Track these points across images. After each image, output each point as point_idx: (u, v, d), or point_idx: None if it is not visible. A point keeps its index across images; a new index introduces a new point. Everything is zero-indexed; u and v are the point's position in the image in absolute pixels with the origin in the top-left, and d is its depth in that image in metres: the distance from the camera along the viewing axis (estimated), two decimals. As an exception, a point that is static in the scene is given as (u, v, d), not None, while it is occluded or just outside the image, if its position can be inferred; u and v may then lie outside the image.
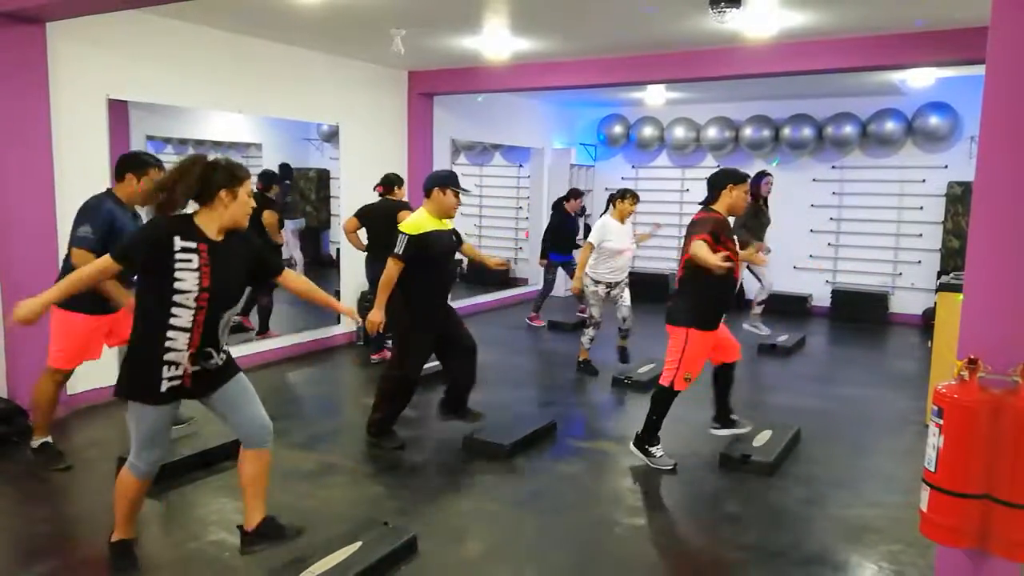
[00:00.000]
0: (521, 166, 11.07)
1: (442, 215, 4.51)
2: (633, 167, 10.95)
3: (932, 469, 2.29)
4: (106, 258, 2.79)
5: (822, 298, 9.56)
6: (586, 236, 10.89)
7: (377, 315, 4.35)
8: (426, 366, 6.22)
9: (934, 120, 8.62)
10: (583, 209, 10.74)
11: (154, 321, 2.77)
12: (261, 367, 6.21)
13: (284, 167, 8.59)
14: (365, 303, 7.48)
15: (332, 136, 7.54)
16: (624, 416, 5.57)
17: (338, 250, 7.57)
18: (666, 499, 4.14)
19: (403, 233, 4.38)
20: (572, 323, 8.47)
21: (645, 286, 10.45)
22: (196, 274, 2.75)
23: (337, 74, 7.18)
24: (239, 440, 3.13)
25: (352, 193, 7.40)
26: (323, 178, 8.68)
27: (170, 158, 7.80)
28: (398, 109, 7.94)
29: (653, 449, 4.39)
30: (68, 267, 3.87)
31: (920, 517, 2.36)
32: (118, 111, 5.55)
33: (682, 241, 4.53)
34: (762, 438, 4.62)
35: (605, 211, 6.45)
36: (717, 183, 4.39)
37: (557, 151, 10.60)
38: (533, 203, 10.75)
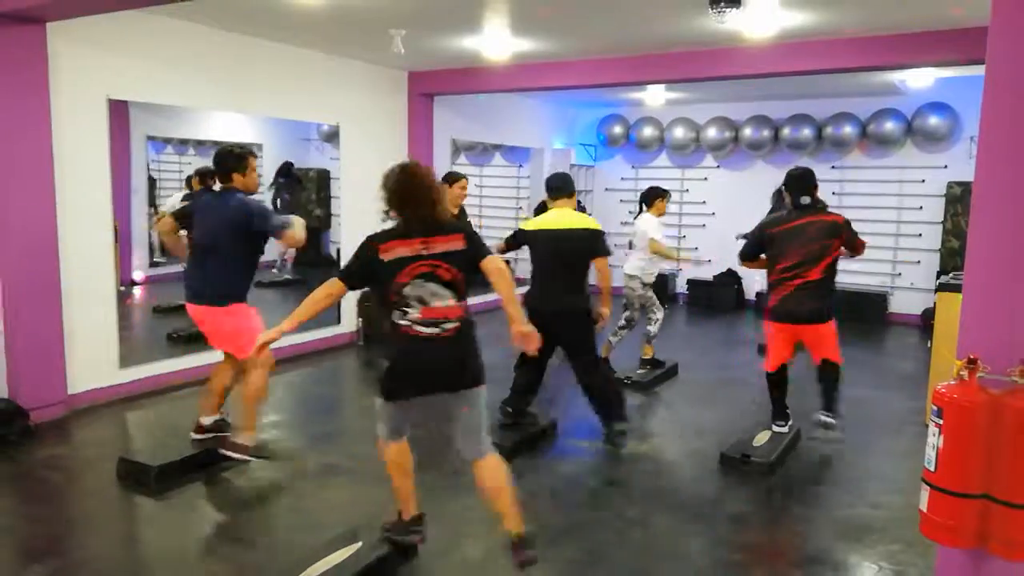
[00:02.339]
0: (521, 166, 11.07)
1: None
2: (633, 167, 10.95)
3: (932, 469, 2.29)
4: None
5: (822, 298, 9.54)
6: None
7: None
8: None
9: (933, 120, 8.63)
10: (582, 208, 10.74)
11: None
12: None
13: (286, 165, 8.60)
14: (366, 303, 7.48)
15: (332, 136, 7.54)
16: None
17: (339, 250, 7.57)
18: (666, 499, 4.14)
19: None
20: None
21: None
22: None
23: (337, 74, 7.18)
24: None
25: (352, 193, 7.41)
26: (323, 178, 8.69)
27: (170, 158, 7.82)
28: (398, 109, 7.94)
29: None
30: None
31: (920, 517, 2.36)
32: (118, 111, 5.55)
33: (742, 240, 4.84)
34: (762, 438, 4.62)
35: (641, 210, 6.40)
36: (812, 182, 4.55)
37: (557, 151, 10.60)
38: (533, 203, 10.74)
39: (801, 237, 4.39)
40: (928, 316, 8.24)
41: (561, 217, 4.65)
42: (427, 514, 3.70)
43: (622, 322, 6.33)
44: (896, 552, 3.41)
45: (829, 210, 4.58)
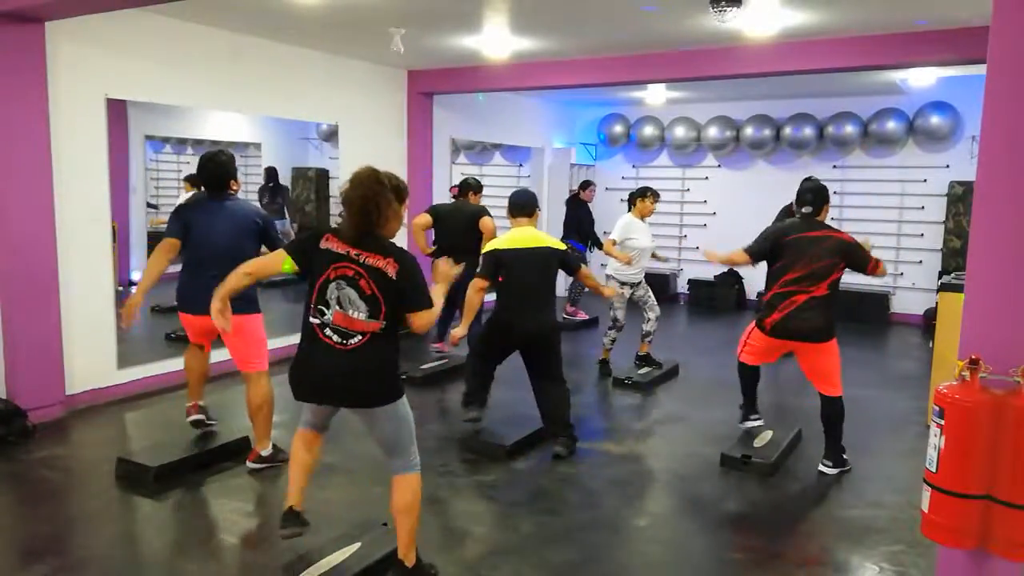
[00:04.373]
0: (521, 165, 11.06)
1: None
2: (634, 167, 10.94)
3: (933, 470, 2.28)
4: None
5: (823, 298, 9.53)
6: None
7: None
8: (431, 365, 6.25)
9: (935, 120, 8.61)
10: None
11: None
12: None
13: (270, 171, 8.60)
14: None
15: (331, 135, 7.53)
16: (625, 417, 5.56)
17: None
18: (666, 500, 4.14)
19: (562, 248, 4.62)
20: (574, 323, 8.46)
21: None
22: None
23: (336, 73, 7.17)
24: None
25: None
26: (322, 178, 8.69)
27: (169, 158, 7.82)
28: (397, 108, 7.93)
29: (845, 456, 4.39)
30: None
31: (921, 518, 2.35)
32: (116, 110, 5.53)
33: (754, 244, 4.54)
34: (763, 439, 4.61)
35: (630, 210, 6.42)
36: (821, 197, 4.44)
37: (557, 151, 10.59)
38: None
39: (814, 249, 4.20)
40: (930, 316, 8.23)
41: (528, 235, 4.57)
42: (426, 515, 3.70)
43: (609, 322, 6.36)
44: (897, 553, 3.40)
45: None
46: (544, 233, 4.68)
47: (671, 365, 6.49)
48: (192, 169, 7.62)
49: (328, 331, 2.77)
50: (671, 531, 3.70)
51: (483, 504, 3.89)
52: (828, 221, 4.51)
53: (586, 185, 8.80)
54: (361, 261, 2.75)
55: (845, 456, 4.39)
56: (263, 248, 4.09)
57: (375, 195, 2.73)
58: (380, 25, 5.74)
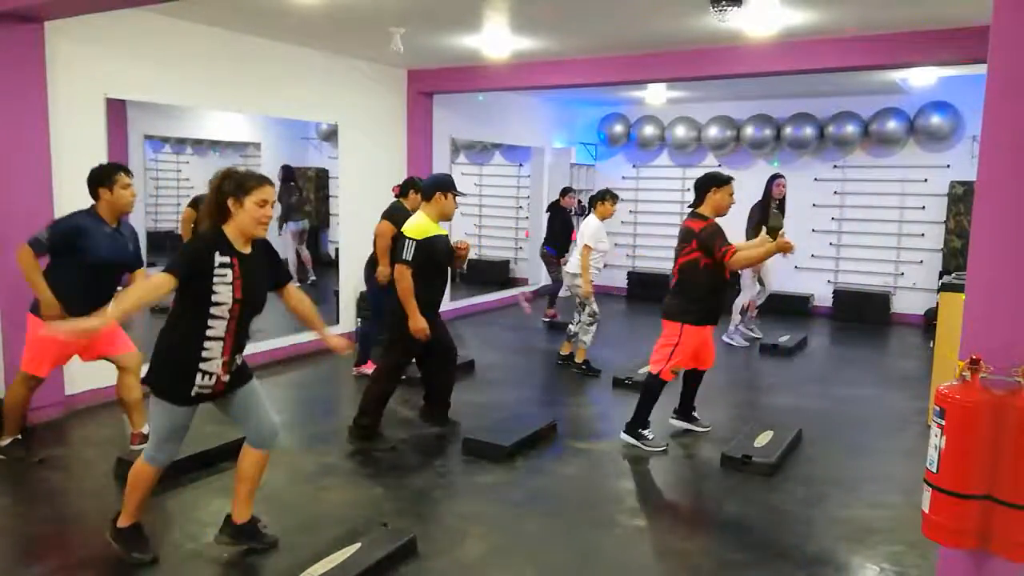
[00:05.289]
0: (521, 165, 11.06)
1: (442, 219, 4.61)
2: (634, 166, 10.93)
3: (934, 470, 2.28)
4: (163, 275, 2.83)
5: (824, 298, 9.54)
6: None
7: (417, 323, 4.43)
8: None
9: (936, 119, 8.60)
10: (583, 208, 10.79)
11: (192, 331, 2.90)
12: (259, 368, 6.19)
13: (286, 169, 8.58)
14: (364, 303, 7.47)
15: (331, 135, 7.53)
16: (625, 417, 5.54)
17: (337, 250, 7.55)
18: (667, 500, 4.13)
19: (409, 238, 4.42)
20: (560, 324, 8.43)
21: (646, 286, 10.46)
22: (230, 287, 2.87)
23: (336, 73, 7.16)
24: (244, 439, 3.27)
25: (350, 192, 7.39)
26: (322, 177, 8.68)
27: (168, 158, 7.81)
28: (397, 108, 7.92)
29: (646, 432, 4.66)
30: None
31: (922, 518, 2.35)
32: (116, 110, 5.53)
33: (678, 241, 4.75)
34: (763, 439, 4.61)
35: (588, 213, 6.51)
36: (701, 187, 4.72)
37: (557, 150, 10.59)
38: (533, 203, 10.73)
39: (679, 238, 4.65)
40: (931, 316, 8.22)
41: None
42: (426, 515, 3.70)
43: (587, 318, 6.35)
44: (898, 553, 3.39)
45: (705, 216, 4.59)
46: (417, 218, 4.59)
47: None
48: (192, 170, 7.68)
49: None
50: (671, 531, 3.69)
51: (483, 504, 3.89)
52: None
53: (566, 192, 8.77)
54: None
55: (644, 432, 4.65)
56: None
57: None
58: (380, 25, 5.73)
